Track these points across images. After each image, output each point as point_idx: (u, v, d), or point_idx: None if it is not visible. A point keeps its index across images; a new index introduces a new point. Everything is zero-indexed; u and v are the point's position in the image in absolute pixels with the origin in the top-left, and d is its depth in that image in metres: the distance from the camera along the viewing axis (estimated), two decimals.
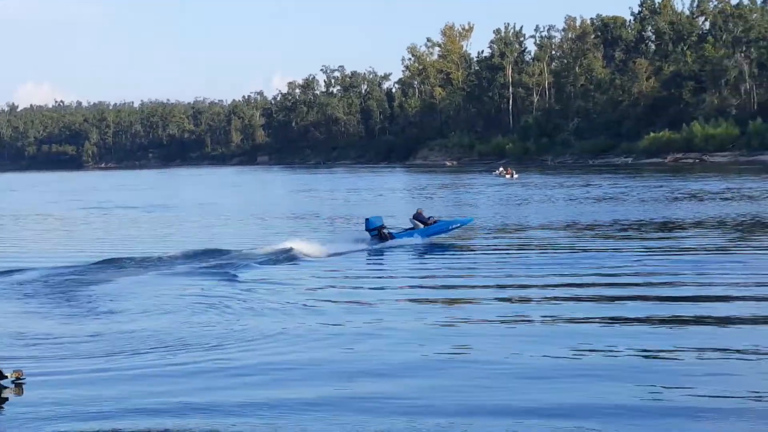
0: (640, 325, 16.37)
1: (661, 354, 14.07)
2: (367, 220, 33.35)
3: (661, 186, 64.54)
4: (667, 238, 32.01)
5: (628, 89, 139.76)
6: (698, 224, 36.17)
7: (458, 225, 34.56)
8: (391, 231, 33.32)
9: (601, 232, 34.44)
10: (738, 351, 14.12)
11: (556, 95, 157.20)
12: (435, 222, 33.69)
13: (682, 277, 22.07)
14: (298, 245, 29.41)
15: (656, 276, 22.25)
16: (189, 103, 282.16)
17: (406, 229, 33.91)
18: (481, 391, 12.14)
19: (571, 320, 17.05)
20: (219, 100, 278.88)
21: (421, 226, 33.34)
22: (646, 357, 13.99)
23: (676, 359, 13.75)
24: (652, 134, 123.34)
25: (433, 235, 33.07)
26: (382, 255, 30.04)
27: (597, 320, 16.88)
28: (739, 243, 29.66)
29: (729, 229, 34.28)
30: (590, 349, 14.53)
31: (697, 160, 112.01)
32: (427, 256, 29.63)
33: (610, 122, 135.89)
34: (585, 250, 28.63)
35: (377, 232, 32.62)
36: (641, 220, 38.73)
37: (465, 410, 11.25)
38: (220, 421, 11.05)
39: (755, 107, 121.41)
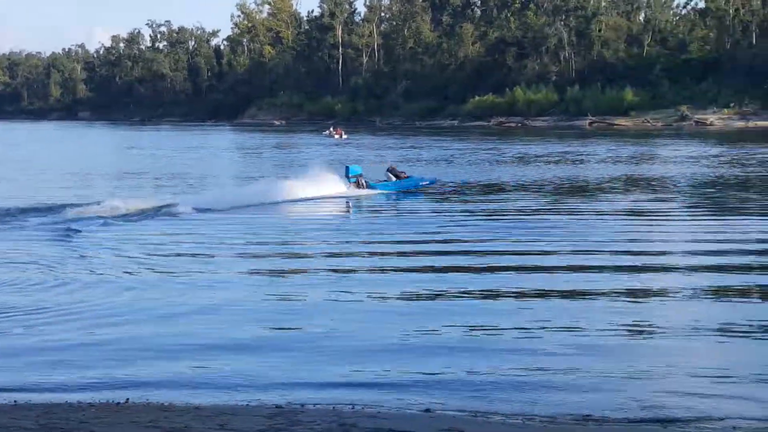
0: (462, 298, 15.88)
1: (485, 327, 13.70)
2: (347, 168, 35.99)
3: (490, 148, 66.49)
4: (493, 201, 33.02)
5: (454, 53, 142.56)
6: (522, 187, 37.58)
7: (427, 183, 36.74)
8: (368, 180, 35.58)
9: (429, 195, 35.04)
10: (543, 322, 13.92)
11: (386, 57, 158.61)
12: (407, 177, 36.33)
13: (500, 243, 21.92)
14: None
15: (477, 243, 22.00)
16: (4, 54, 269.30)
17: (381, 181, 36.06)
18: (309, 366, 11.83)
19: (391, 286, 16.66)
20: (37, 52, 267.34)
21: (394, 179, 35.94)
22: (468, 329, 13.62)
23: (496, 333, 13.41)
24: (477, 98, 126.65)
25: (404, 189, 35.51)
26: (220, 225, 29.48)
27: (414, 289, 16.44)
28: (557, 205, 30.86)
29: (549, 192, 35.74)
30: (417, 326, 14.01)
31: (519, 124, 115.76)
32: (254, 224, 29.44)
33: (437, 85, 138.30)
34: (411, 212, 29.28)
35: (356, 180, 35.15)
36: (474, 182, 39.82)
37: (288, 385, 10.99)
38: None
39: (573, 74, 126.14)
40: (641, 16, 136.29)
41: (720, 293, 15.95)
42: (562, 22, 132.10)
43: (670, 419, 9.60)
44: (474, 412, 9.83)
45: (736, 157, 53.70)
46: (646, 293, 16.09)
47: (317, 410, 9.82)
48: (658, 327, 13.61)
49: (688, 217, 27.49)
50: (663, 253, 20.47)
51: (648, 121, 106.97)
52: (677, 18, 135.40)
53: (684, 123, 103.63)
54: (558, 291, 16.09)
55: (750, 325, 13.59)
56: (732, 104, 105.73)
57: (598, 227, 24.45)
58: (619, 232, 23.47)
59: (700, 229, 24.14)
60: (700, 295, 15.87)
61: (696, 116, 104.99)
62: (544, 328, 13.46)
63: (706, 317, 14.08)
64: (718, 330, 13.38)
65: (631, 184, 38.80)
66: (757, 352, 12.32)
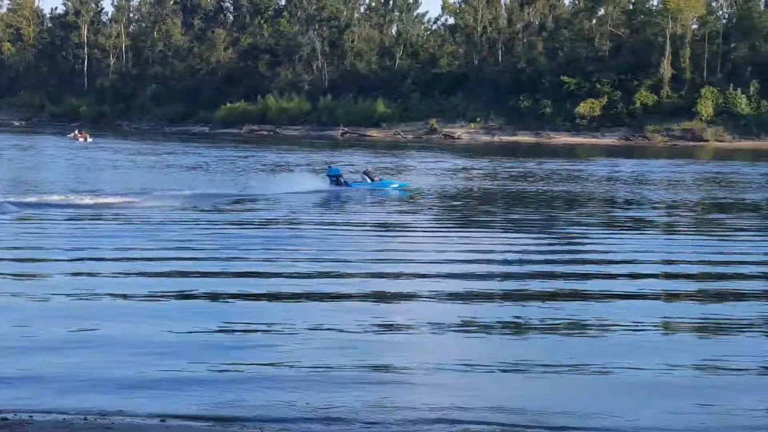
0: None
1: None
2: (329, 167, 43.46)
3: (246, 157, 65.22)
4: (244, 210, 32.08)
5: (206, 58, 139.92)
6: (276, 199, 36.68)
7: (398, 186, 42.21)
8: (346, 180, 41.48)
9: (179, 202, 33.52)
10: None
11: (134, 59, 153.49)
12: (380, 180, 42.44)
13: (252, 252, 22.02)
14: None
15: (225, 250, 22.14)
16: None
17: (356, 181, 41.88)
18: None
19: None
20: None
21: (369, 180, 41.84)
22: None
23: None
24: (228, 104, 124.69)
25: (377, 189, 41.00)
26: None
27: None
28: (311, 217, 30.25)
29: (303, 205, 35.03)
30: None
31: (271, 132, 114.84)
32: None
33: (188, 90, 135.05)
34: (164, 222, 27.72)
35: (335, 179, 40.96)
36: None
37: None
38: None
39: (326, 84, 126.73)
40: (393, 29, 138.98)
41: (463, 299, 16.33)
42: (316, 32, 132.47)
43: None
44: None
45: (481, 171, 55.10)
46: (393, 297, 16.89)
47: (47, 421, 9.24)
48: (404, 326, 14.46)
49: (435, 230, 27.80)
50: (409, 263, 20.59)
51: (399, 133, 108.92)
52: (428, 33, 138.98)
53: (433, 136, 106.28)
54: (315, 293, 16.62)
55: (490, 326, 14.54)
56: (478, 119, 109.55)
57: (342, 240, 24.51)
58: (364, 244, 23.82)
59: (446, 242, 24.25)
60: (445, 299, 16.75)
61: (445, 130, 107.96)
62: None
63: (449, 318, 14.87)
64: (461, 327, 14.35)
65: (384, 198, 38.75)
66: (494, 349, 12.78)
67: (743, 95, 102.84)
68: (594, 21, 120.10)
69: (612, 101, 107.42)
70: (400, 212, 33.17)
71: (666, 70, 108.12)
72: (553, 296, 17.15)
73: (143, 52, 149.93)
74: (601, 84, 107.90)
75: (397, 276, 19.08)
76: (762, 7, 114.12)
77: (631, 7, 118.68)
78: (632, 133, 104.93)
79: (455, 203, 37.08)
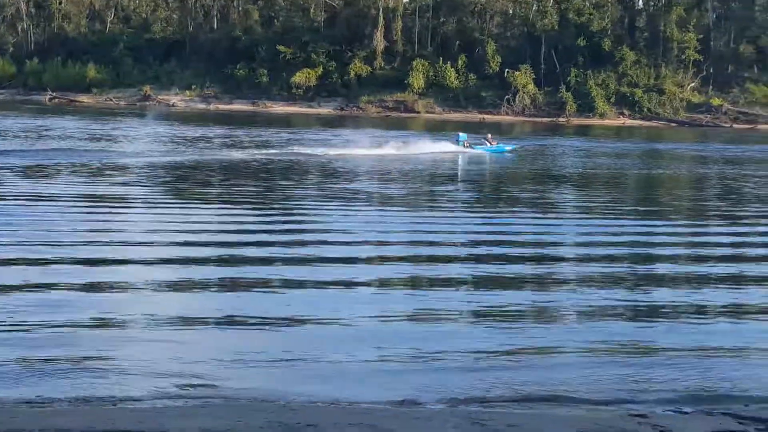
0: None
1: None
2: (458, 134, 52.76)
3: None
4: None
5: None
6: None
7: (510, 149, 52.19)
8: (472, 144, 51.43)
9: None
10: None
11: None
12: (497, 144, 52.34)
13: None
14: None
15: None
16: None
17: (479, 145, 51.67)
18: None
19: None
20: None
21: (488, 145, 51.66)
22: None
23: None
24: None
25: (495, 153, 50.91)
26: None
27: None
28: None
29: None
30: None
31: None
32: None
33: None
34: None
35: (463, 143, 50.97)
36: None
37: None
38: None
39: (32, 47, 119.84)
40: None
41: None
42: None
43: None
44: None
45: (197, 140, 53.94)
46: (109, 287, 15.37)
47: None
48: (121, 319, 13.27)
49: (150, 205, 26.38)
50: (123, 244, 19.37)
51: (111, 100, 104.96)
52: None
53: (147, 103, 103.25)
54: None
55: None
56: (194, 86, 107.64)
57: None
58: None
59: (162, 219, 23.10)
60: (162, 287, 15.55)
61: (159, 97, 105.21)
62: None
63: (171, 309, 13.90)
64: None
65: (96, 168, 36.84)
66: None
67: (452, 69, 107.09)
68: None
69: (327, 72, 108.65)
70: (113, 184, 31.50)
71: (379, 42, 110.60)
72: (270, 261, 17.41)
73: None
74: (317, 54, 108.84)
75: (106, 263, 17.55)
76: None
77: None
78: (347, 103, 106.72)
79: (170, 174, 35.74)
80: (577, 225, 24.66)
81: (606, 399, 10.53)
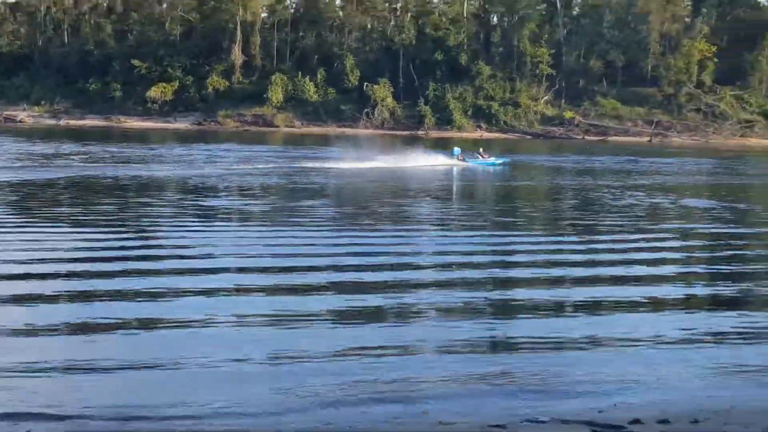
0: None
1: None
2: (453, 148, 55.82)
3: None
4: None
5: None
6: None
7: (502, 162, 55.57)
8: (465, 157, 54.68)
9: None
10: None
11: None
12: (488, 158, 55.45)
13: None
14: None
15: None
16: None
17: (472, 159, 55.26)
18: None
19: None
20: None
21: (481, 158, 55.13)
22: None
23: None
24: None
25: (488, 166, 54.19)
26: None
27: None
28: None
29: None
30: None
31: None
32: None
33: None
34: None
35: (457, 157, 54.13)
36: None
37: None
38: None
39: None
40: None
41: None
42: None
43: None
44: None
45: (48, 157, 52.01)
46: None
47: None
48: None
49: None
50: None
51: None
52: None
53: None
54: None
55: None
56: (43, 102, 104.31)
57: None
58: None
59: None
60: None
61: (6, 112, 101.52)
62: None
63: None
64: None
65: None
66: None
67: (311, 83, 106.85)
68: (165, 5, 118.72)
69: (184, 86, 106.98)
70: None
71: (237, 56, 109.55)
72: (122, 295, 16.06)
73: None
74: (173, 68, 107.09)
75: None
76: None
77: None
78: (205, 117, 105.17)
79: (13, 194, 34.07)
80: (435, 240, 24.37)
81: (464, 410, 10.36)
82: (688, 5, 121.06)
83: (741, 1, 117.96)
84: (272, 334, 13.81)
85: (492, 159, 55.88)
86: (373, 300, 16.02)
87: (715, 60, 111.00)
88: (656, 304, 16.53)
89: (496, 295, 17.02)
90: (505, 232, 26.20)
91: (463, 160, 54.58)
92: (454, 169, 52.17)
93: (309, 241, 23.10)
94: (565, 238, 25.46)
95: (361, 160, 51.12)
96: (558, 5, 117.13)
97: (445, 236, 25.11)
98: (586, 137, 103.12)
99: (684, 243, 25.15)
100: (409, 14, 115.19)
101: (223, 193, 35.67)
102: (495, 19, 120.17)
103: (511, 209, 34.05)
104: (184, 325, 14.13)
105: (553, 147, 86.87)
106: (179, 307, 15.17)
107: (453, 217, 30.54)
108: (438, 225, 28.00)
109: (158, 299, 15.78)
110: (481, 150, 57.55)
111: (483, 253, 22.00)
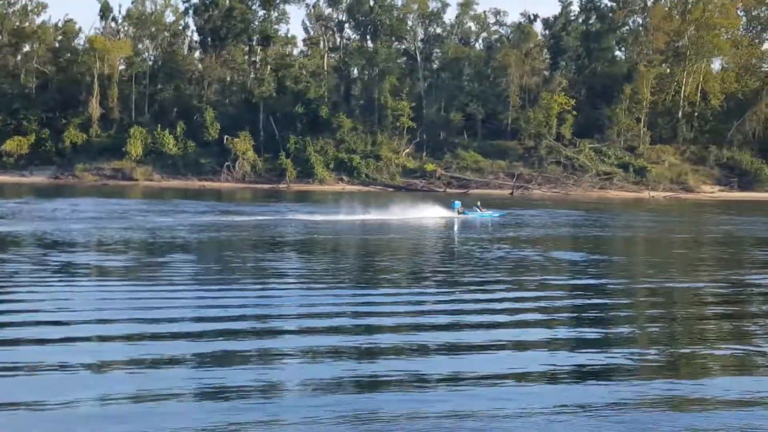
0: None
1: None
2: (453, 201, 60.53)
3: None
4: None
5: None
6: None
7: (498, 215, 59.26)
8: (465, 211, 58.72)
9: None
10: None
11: None
12: (484, 211, 58.89)
13: None
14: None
15: None
16: None
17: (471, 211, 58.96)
18: None
19: None
20: None
21: (479, 212, 58.52)
22: None
23: None
24: None
25: (486, 218, 57.57)
26: None
27: None
28: None
29: None
30: None
31: None
32: None
33: None
34: None
35: (457, 210, 58.03)
36: None
37: None
38: None
39: None
40: None
41: None
42: None
43: None
44: None
45: None
46: None
47: None
48: None
49: None
50: None
51: None
52: None
53: None
54: None
55: None
56: None
57: None
58: None
59: None
60: None
61: None
62: None
63: None
64: None
65: None
66: None
67: (171, 135, 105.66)
68: (19, 57, 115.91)
69: (40, 139, 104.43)
70: None
71: (95, 109, 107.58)
72: None
73: None
74: (29, 122, 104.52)
75: None
76: (186, 51, 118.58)
77: (57, 45, 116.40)
78: (62, 171, 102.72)
79: None
80: (299, 296, 23.62)
81: None
82: (546, 59, 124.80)
83: (598, 56, 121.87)
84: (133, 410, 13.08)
85: (489, 212, 59.86)
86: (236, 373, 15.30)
87: (574, 113, 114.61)
88: (519, 346, 16.94)
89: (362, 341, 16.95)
90: (362, 289, 25.56)
91: (463, 212, 58.42)
92: (455, 220, 55.98)
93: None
94: (430, 290, 25.51)
95: (356, 213, 55.23)
96: (418, 58, 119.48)
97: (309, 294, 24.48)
98: (448, 190, 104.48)
99: (545, 293, 25.51)
100: (269, 67, 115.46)
101: (80, 249, 34.71)
102: (355, 71, 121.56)
103: (368, 264, 33.80)
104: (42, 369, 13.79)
105: (416, 199, 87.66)
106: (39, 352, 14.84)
107: (317, 272, 30.36)
108: (304, 281, 27.78)
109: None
110: (479, 203, 61.46)
111: (345, 314, 21.19)
